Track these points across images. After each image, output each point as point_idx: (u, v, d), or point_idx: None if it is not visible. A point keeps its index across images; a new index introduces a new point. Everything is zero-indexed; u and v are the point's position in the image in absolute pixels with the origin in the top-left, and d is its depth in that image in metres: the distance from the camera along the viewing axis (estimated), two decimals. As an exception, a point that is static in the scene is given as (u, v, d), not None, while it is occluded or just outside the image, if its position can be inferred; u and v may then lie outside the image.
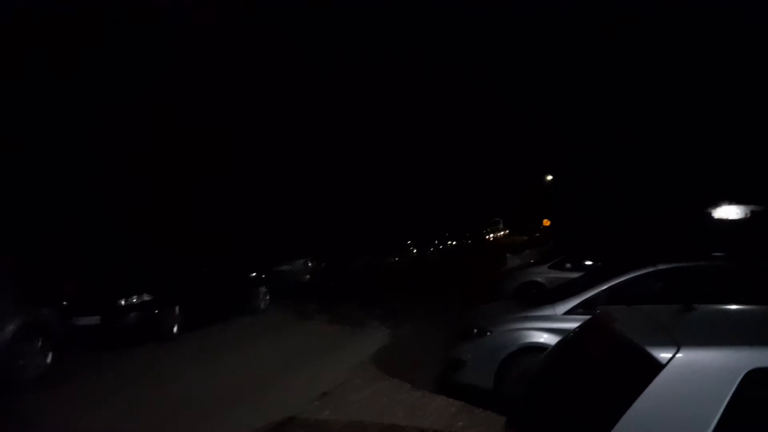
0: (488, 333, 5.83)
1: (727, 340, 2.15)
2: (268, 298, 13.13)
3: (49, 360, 7.21)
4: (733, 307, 2.85)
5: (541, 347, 5.17)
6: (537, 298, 6.30)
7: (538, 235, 30.53)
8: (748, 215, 18.38)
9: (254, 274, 12.97)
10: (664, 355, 2.00)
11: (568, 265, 11.27)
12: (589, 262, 11.29)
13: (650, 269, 5.40)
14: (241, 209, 21.28)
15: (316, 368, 7.61)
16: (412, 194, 37.41)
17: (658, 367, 1.98)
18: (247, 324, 11.33)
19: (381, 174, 33.10)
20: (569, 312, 5.43)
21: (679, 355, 1.99)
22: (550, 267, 11.75)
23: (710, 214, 19.52)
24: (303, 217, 24.38)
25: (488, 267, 19.96)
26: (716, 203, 19.82)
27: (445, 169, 43.04)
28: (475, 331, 5.96)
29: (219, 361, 8.14)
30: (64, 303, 9.02)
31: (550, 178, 38.87)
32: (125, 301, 9.04)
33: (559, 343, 3.02)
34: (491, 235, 52.71)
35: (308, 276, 16.96)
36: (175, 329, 9.60)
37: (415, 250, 27.83)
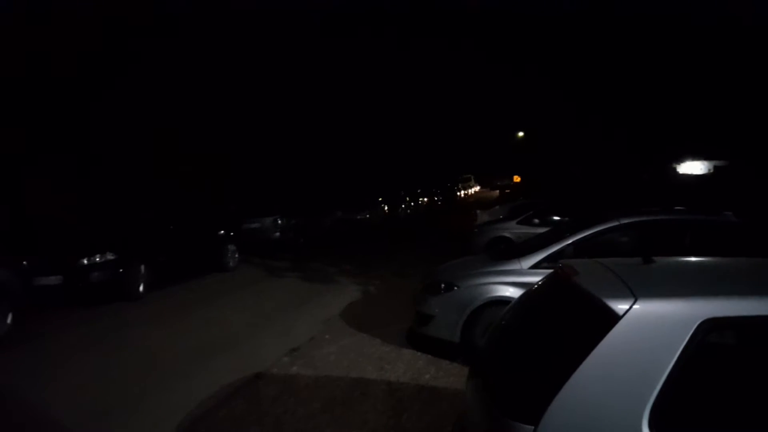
0: (455, 288, 5.89)
1: (682, 291, 2.17)
2: (237, 256, 12.99)
3: (9, 321, 7.04)
4: (691, 259, 2.90)
5: (506, 301, 5.25)
6: (504, 253, 6.36)
7: (508, 191, 30.81)
8: (711, 170, 18.83)
9: (222, 231, 12.78)
10: (621, 307, 2.01)
11: (536, 221, 11.43)
12: (556, 218, 11.47)
13: (613, 224, 5.49)
14: (211, 168, 20.90)
15: (285, 324, 7.63)
16: (383, 151, 37.16)
17: (615, 318, 1.99)
18: (216, 282, 11.25)
19: (352, 131, 32.68)
20: (534, 266, 5.51)
21: (635, 306, 2.01)
22: (518, 223, 11.90)
23: (675, 169, 19.94)
24: (273, 175, 24.05)
25: (459, 223, 20.14)
26: (681, 159, 20.23)
27: (416, 126, 42.72)
28: (443, 286, 6.02)
29: (187, 319, 8.07)
30: (24, 263, 8.76)
31: (521, 134, 39.01)
32: (88, 261, 8.81)
33: (521, 296, 3.04)
34: (462, 192, 53.06)
35: (278, 233, 16.78)
36: (141, 288, 9.44)
37: (386, 207, 27.78)
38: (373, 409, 4.65)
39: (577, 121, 25.15)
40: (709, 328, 1.97)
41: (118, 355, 6.41)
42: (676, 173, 19.52)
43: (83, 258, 8.83)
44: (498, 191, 39.87)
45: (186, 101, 18.92)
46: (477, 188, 61.43)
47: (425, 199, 36.87)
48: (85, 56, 15.80)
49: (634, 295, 2.04)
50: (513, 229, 11.63)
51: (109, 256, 9.04)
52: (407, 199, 32.49)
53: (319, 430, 4.27)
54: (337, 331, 7.23)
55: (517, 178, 37.10)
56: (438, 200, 39.87)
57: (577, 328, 2.16)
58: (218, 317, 8.22)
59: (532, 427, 1.90)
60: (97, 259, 8.93)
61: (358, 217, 23.58)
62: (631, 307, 2.00)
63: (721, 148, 19.55)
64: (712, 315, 1.99)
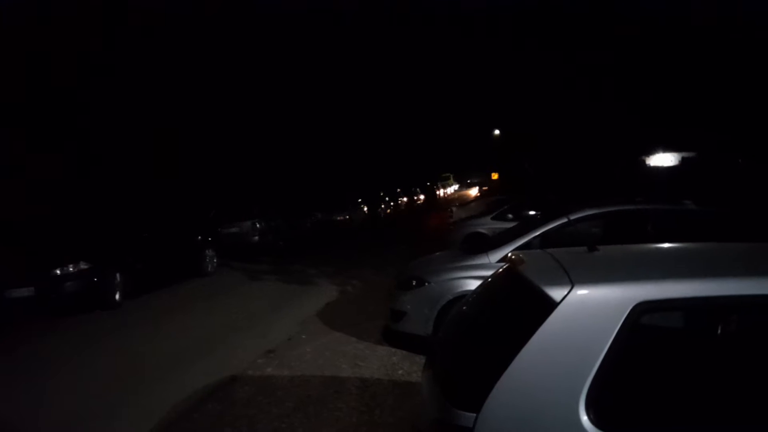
0: (427, 283, 5.99)
1: (619, 276, 2.25)
2: (215, 261, 12.97)
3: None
4: (636, 246, 3.01)
5: (475, 295, 5.35)
6: (473, 248, 6.47)
7: (486, 188, 31.07)
8: (680, 162, 19.25)
9: (200, 237, 12.75)
10: (558, 293, 2.07)
11: (510, 216, 11.59)
12: (532, 212, 11.62)
13: (562, 221, 5.61)
14: (186, 171, 20.78)
15: (262, 327, 7.66)
16: (362, 152, 37.21)
17: (553, 305, 2.05)
18: (194, 287, 11.22)
19: (330, 133, 32.69)
20: (502, 260, 5.61)
21: (572, 292, 2.06)
22: (492, 218, 12.08)
23: (644, 161, 20.34)
24: (251, 178, 23.95)
25: (437, 221, 20.30)
26: (653, 151, 20.66)
27: (394, 126, 42.83)
28: (414, 282, 6.11)
29: (164, 325, 8.07)
30: (-5, 276, 8.66)
31: (497, 132, 39.33)
32: (61, 271, 8.72)
33: (477, 287, 3.14)
34: (442, 191, 53.32)
35: (257, 237, 16.78)
36: (117, 297, 9.37)
37: (366, 208, 27.85)
38: (346, 406, 4.71)
39: (553, 117, 25.54)
40: (642, 310, 2.04)
41: (93, 362, 6.39)
42: (647, 165, 19.94)
43: (56, 268, 8.74)
44: (477, 188, 40.12)
45: (161, 105, 18.79)
46: (456, 186, 61.69)
47: (405, 199, 37.01)
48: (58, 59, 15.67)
49: (572, 282, 2.11)
50: (488, 225, 11.79)
51: (83, 266, 8.96)
52: (387, 199, 32.59)
53: (292, 430, 4.32)
54: (313, 331, 7.28)
55: (495, 175, 37.41)
56: (417, 199, 39.99)
57: (519, 316, 2.25)
58: (195, 322, 8.22)
59: (475, 415, 1.97)
60: (71, 269, 8.85)
61: (338, 218, 23.64)
62: (568, 294, 2.06)
63: (691, 139, 20.00)
64: (646, 298, 2.04)
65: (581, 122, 23.71)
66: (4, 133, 14.19)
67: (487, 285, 2.92)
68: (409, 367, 5.60)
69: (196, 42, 20.19)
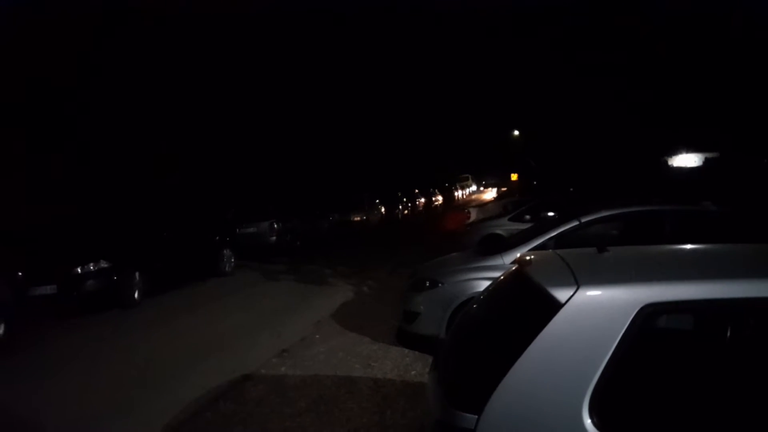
0: (440, 285, 5.96)
1: (626, 278, 2.22)
2: (233, 261, 13.08)
3: (1, 332, 7.13)
4: (643, 247, 2.96)
5: (487, 296, 5.31)
6: (488, 249, 6.43)
7: (505, 189, 30.84)
8: (703, 162, 18.92)
9: (218, 237, 12.87)
10: (564, 295, 2.05)
11: (527, 217, 11.50)
12: (550, 214, 11.49)
13: (574, 224, 5.55)
14: (204, 171, 21.02)
15: (277, 326, 7.70)
16: (380, 152, 37.23)
17: (558, 306, 2.03)
18: (212, 287, 11.33)
19: (348, 133, 32.75)
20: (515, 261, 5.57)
21: (578, 293, 2.04)
22: (510, 219, 11.99)
23: (667, 162, 20.03)
24: (268, 178, 24.12)
25: (454, 222, 20.18)
26: (675, 152, 20.34)
27: (412, 126, 42.74)
28: (428, 283, 6.09)
29: (180, 324, 8.17)
30: (19, 273, 8.84)
31: (516, 133, 39.06)
32: (82, 269, 8.89)
33: (485, 288, 3.12)
34: (460, 192, 53.00)
35: (275, 237, 16.86)
36: (136, 295, 9.52)
37: (383, 208, 27.81)
38: (357, 406, 4.72)
39: (557, 115, 25.39)
40: (649, 313, 2.01)
41: (110, 360, 6.50)
42: (669, 166, 19.63)
43: (77, 267, 8.92)
44: (495, 190, 39.82)
45: (177, 106, 19.02)
46: (474, 188, 61.27)
47: (422, 200, 36.90)
48: (80, 56, 15.95)
49: (578, 283, 2.09)
50: (505, 226, 11.70)
51: (103, 264, 9.13)
52: (404, 200, 32.51)
53: (303, 429, 4.34)
54: (327, 331, 7.30)
55: (514, 176, 37.15)
56: (435, 201, 39.82)
57: (524, 318, 2.22)
58: (211, 321, 8.29)
59: (476, 416, 1.95)
60: (91, 268, 9.02)
61: (356, 218, 23.61)
62: (573, 295, 2.04)
63: (715, 140, 19.63)
64: (653, 300, 2.01)
65: (584, 121, 23.52)
66: (7, 134, 14.47)
67: (495, 286, 2.90)
68: (421, 369, 5.57)
69: (200, 42, 20.32)
